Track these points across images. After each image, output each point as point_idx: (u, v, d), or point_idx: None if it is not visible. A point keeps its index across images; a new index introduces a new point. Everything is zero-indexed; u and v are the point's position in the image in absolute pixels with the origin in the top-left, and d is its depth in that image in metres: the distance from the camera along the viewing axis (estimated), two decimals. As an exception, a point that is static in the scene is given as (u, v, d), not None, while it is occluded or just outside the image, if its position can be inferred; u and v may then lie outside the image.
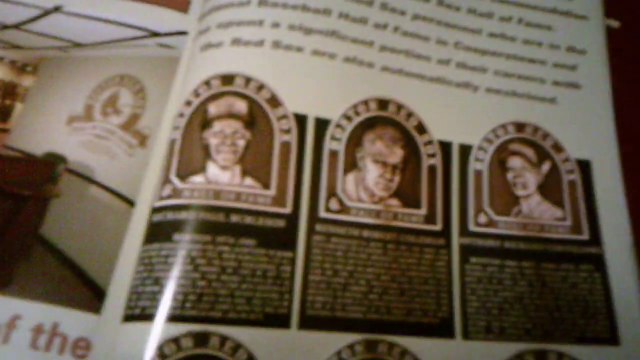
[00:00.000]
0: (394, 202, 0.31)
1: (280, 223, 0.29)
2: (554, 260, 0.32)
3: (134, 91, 0.33)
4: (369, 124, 0.32)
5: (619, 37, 0.39)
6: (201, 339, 0.27)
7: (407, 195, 0.32)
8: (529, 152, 0.35)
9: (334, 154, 0.31)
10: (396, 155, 0.32)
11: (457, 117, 0.34)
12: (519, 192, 0.34)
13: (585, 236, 0.33)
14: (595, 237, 0.33)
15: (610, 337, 0.31)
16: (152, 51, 0.33)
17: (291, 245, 0.29)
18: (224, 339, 0.27)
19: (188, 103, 0.30)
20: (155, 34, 0.34)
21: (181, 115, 0.30)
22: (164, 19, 0.34)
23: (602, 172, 0.35)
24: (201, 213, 0.28)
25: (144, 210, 0.29)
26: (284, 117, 0.30)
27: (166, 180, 0.29)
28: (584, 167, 0.35)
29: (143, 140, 0.31)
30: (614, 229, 0.34)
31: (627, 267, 0.33)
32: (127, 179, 0.30)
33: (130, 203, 0.29)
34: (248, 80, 0.30)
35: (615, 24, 0.39)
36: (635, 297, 0.32)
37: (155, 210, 0.28)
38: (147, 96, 0.32)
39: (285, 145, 0.30)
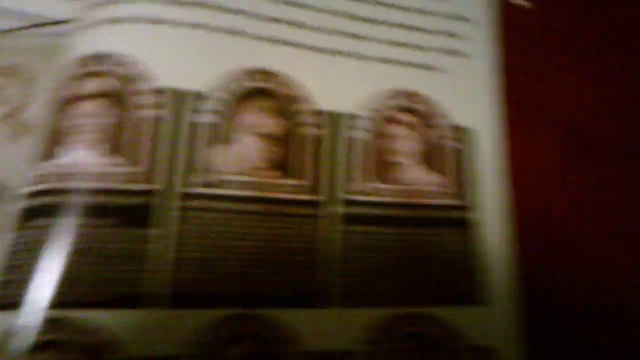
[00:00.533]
0: (272, 173, 0.31)
1: (149, 200, 0.28)
2: (431, 226, 0.33)
3: (20, 81, 0.31)
4: (244, 95, 0.31)
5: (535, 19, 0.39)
6: (63, 323, 0.26)
7: (285, 166, 0.32)
8: (411, 119, 0.35)
9: (207, 127, 0.30)
10: (274, 126, 0.32)
11: (339, 86, 0.34)
12: (400, 159, 0.34)
13: (463, 202, 0.34)
14: (473, 203, 0.34)
15: (481, 298, 0.32)
16: (40, 41, 0.32)
17: (161, 222, 0.28)
18: (84, 322, 0.26)
19: (59, 84, 0.29)
20: (45, 24, 0.32)
21: (53, 97, 0.28)
22: (53, 7, 0.32)
23: (485, 139, 0.36)
24: (67, 196, 0.27)
25: (18, 198, 0.27)
26: (153, 92, 0.29)
27: (34, 164, 0.27)
28: (467, 134, 0.35)
29: (28, 129, 0.30)
30: (492, 194, 0.35)
31: (502, 231, 0.34)
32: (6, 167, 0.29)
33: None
34: (117, 57, 0.29)
35: (526, 3, 0.39)
36: (506, 260, 0.33)
37: (26, 195, 0.27)
38: (34, 86, 0.31)
39: (155, 121, 0.29)
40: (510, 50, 0.38)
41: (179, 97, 0.30)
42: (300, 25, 0.34)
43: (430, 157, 0.35)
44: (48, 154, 0.28)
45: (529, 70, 0.39)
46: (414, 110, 0.35)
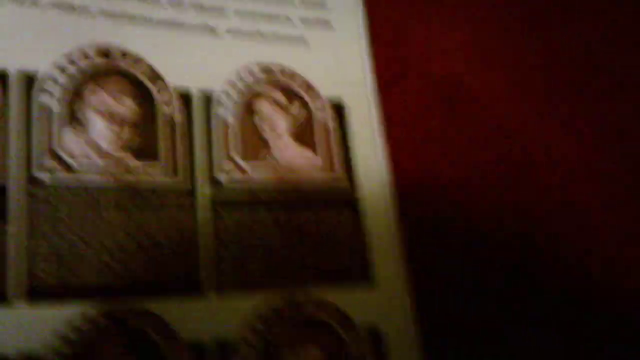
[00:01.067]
0: (127, 155, 0.29)
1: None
2: (306, 203, 0.32)
3: None
4: (89, 74, 0.29)
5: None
6: None
7: (140, 147, 0.29)
8: (277, 94, 0.34)
9: (46, 109, 0.28)
10: (124, 105, 0.29)
11: (197, 63, 0.32)
12: (268, 135, 0.33)
13: (338, 176, 0.33)
14: (350, 179, 0.33)
15: (363, 277, 0.31)
16: None
17: (2, 215, 0.25)
18: None
19: None
20: None
21: None
22: None
23: (357, 113, 0.35)
24: None
25: None
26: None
27: None
28: (338, 108, 0.35)
29: None
30: (369, 170, 0.34)
31: (382, 208, 0.33)
32: None
33: None
34: None
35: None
36: (390, 238, 0.33)
37: None
38: None
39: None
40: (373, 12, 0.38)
41: (19, 79, 0.27)
42: (154, 0, 0.32)
43: (302, 134, 0.33)
44: None
45: (397, 26, 0.39)
46: (282, 86, 0.34)
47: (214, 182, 0.30)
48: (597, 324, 0.34)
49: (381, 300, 0.31)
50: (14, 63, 0.27)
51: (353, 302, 0.31)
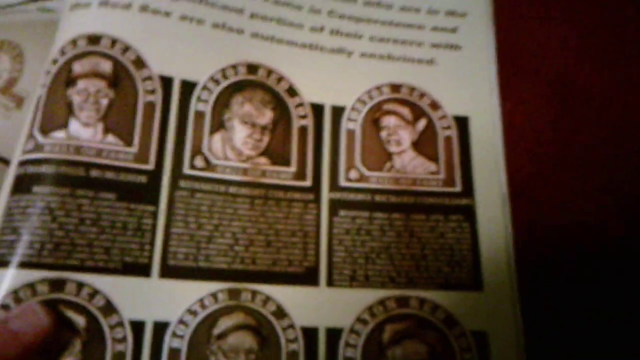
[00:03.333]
0: (263, 160, 0.34)
1: (142, 179, 0.31)
2: (424, 212, 0.34)
3: (12, 56, 0.35)
4: (237, 87, 0.34)
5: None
6: (57, 284, 0.29)
7: (276, 154, 0.34)
8: (404, 110, 0.37)
9: (200, 115, 0.33)
10: (265, 116, 0.34)
11: (330, 81, 0.36)
12: (393, 148, 0.36)
13: (457, 188, 0.35)
14: (468, 189, 0.35)
15: (474, 283, 0.33)
16: (34, 16, 0.36)
17: (153, 199, 0.31)
18: (80, 285, 0.29)
19: (54, 61, 0.33)
20: None
21: (47, 72, 0.32)
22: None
23: (479, 127, 0.37)
24: (61, 167, 0.30)
25: (14, 166, 0.31)
26: (149, 78, 0.33)
27: (30, 136, 0.31)
28: (462, 123, 0.37)
29: (20, 102, 0.34)
30: (487, 181, 0.35)
31: (497, 217, 0.34)
32: (4, 141, 0.33)
33: (7, 163, 0.32)
34: (114, 41, 0.33)
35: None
36: (502, 246, 0.34)
37: (20, 164, 0.31)
38: (26, 60, 0.35)
39: (150, 105, 0.33)
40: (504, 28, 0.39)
41: (180, 86, 0.33)
42: (298, 25, 0.37)
43: (426, 147, 0.36)
44: (45, 128, 0.32)
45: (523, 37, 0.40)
46: (409, 102, 0.37)
47: (337, 187, 0.34)
48: None
49: (489, 306, 0.32)
50: (179, 72, 0.33)
51: (462, 306, 0.32)
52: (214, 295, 0.31)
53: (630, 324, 0.33)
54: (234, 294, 0.31)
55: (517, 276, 0.33)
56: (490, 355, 0.31)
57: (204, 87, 0.34)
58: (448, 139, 0.36)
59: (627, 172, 0.36)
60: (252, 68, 0.35)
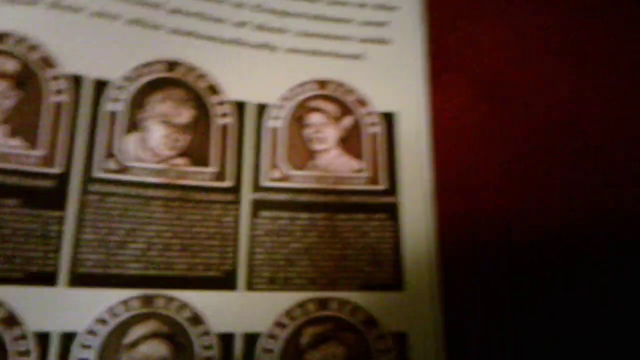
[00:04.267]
0: (181, 161, 0.33)
1: (48, 183, 0.30)
2: (347, 211, 0.34)
3: None
4: (154, 86, 0.33)
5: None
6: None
7: (195, 154, 0.33)
8: (330, 107, 0.36)
9: (112, 115, 0.32)
10: (184, 115, 0.33)
11: (254, 78, 0.35)
12: (317, 146, 0.35)
13: (382, 186, 0.34)
14: (393, 187, 0.34)
15: (395, 283, 0.32)
16: None
17: (60, 204, 0.30)
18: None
19: None
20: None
21: None
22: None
23: (406, 123, 0.36)
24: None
25: None
26: (58, 77, 0.32)
27: None
28: (389, 119, 0.36)
29: None
30: (412, 178, 0.35)
31: (421, 215, 0.34)
32: None
33: None
34: (20, 39, 0.32)
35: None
36: (425, 245, 0.33)
37: None
38: None
39: (58, 106, 0.31)
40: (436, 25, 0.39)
41: (92, 85, 0.32)
42: (220, 20, 0.36)
43: (351, 144, 0.35)
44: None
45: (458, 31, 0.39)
46: (335, 100, 0.36)
47: (259, 187, 0.33)
48: None
49: (410, 307, 0.32)
50: (91, 71, 0.32)
51: (382, 307, 0.32)
52: (125, 303, 0.30)
53: (554, 322, 0.32)
54: (147, 301, 0.30)
55: (439, 275, 0.33)
56: (410, 357, 0.31)
57: (117, 86, 0.33)
58: (374, 136, 0.35)
59: (552, 167, 0.36)
60: (171, 65, 0.34)
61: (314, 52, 0.37)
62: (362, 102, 0.36)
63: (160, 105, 0.33)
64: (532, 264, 0.34)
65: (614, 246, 0.34)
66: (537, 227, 0.34)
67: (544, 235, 0.34)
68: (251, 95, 0.35)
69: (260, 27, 0.36)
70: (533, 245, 0.34)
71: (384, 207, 0.34)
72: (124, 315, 0.29)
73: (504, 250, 0.34)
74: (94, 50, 0.33)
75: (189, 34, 0.35)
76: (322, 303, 0.31)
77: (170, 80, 0.34)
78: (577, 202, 0.35)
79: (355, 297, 0.32)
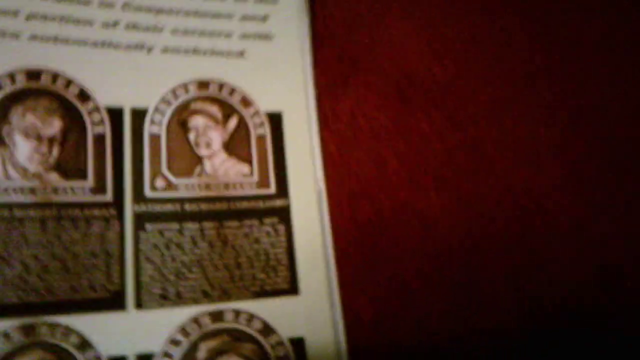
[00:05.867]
0: (53, 176, 0.32)
1: None
2: (238, 218, 0.35)
3: None
4: (17, 97, 0.33)
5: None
6: None
7: (69, 167, 0.33)
8: (213, 109, 0.37)
9: (-29, 131, 0.31)
10: (53, 127, 0.33)
11: (129, 81, 0.35)
12: (202, 151, 0.36)
13: (271, 190, 0.36)
14: (283, 190, 0.36)
15: (290, 287, 0.34)
16: None
17: None
18: None
19: None
20: None
21: None
22: None
23: (293, 123, 0.38)
24: None
25: None
26: None
27: None
28: (275, 119, 0.37)
29: None
30: (302, 179, 0.36)
31: (313, 216, 0.36)
32: None
33: None
34: None
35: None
36: (319, 246, 0.35)
37: None
38: None
39: None
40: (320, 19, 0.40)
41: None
42: (87, 22, 0.35)
43: (238, 147, 0.36)
44: None
45: (346, 27, 0.41)
46: (218, 101, 0.37)
47: (142, 199, 0.33)
48: None
49: (306, 310, 0.34)
50: None
51: (278, 313, 0.33)
52: (5, 335, 0.30)
53: (459, 320, 0.35)
54: (28, 330, 0.30)
55: (336, 276, 0.35)
56: (308, 361, 0.33)
57: (-27, 99, 0.32)
58: (261, 138, 0.37)
59: (464, 163, 0.39)
60: (33, 74, 0.33)
61: (193, 51, 0.37)
62: (246, 102, 0.37)
63: (25, 118, 0.33)
64: (436, 264, 0.36)
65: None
66: (444, 228, 0.37)
67: (449, 239, 0.37)
68: (127, 100, 0.35)
69: (133, 27, 0.36)
70: (439, 246, 0.37)
71: (274, 210, 0.35)
72: (3, 348, 0.29)
73: (402, 248, 0.36)
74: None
75: (51, 39, 0.34)
76: (217, 315, 0.33)
77: (34, 90, 0.33)
78: (489, 201, 0.38)
79: (250, 305, 0.33)
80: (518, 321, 0.36)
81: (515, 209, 0.38)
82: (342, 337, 0.34)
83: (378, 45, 0.41)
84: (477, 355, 0.35)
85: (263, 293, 0.34)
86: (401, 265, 0.36)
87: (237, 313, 0.33)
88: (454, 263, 0.37)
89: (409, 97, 0.40)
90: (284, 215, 0.35)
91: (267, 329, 0.33)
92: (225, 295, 0.33)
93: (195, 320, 0.32)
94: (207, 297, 0.33)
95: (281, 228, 0.35)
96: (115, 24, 0.36)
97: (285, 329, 0.33)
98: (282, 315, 0.33)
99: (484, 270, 0.36)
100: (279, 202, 0.36)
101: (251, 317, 0.33)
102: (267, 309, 0.33)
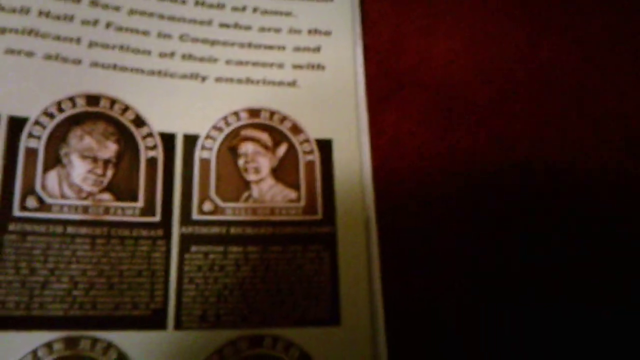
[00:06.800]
0: (106, 196, 0.35)
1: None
2: (282, 243, 0.36)
3: None
4: (76, 120, 0.36)
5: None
6: None
7: (121, 189, 0.35)
8: (264, 136, 0.38)
9: (31, 152, 0.34)
10: (109, 149, 0.36)
11: (182, 108, 0.38)
12: (251, 177, 0.37)
13: (318, 216, 0.37)
14: (330, 217, 0.37)
15: (331, 317, 0.35)
16: None
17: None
18: None
19: None
20: None
21: None
22: None
23: (343, 150, 0.39)
24: None
25: None
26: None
27: None
28: (325, 146, 0.39)
29: None
30: (350, 207, 0.37)
31: (359, 245, 0.36)
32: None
33: None
34: None
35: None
36: (364, 277, 0.36)
37: None
38: None
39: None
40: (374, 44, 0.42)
41: (8, 123, 0.34)
42: (145, 52, 0.38)
43: (287, 174, 0.38)
44: None
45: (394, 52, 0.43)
46: (269, 127, 0.39)
47: (189, 221, 0.35)
48: None
49: (347, 342, 0.34)
50: (5, 109, 0.34)
51: (317, 343, 0.34)
52: (48, 346, 0.31)
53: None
54: (71, 343, 0.32)
55: (383, 310, 0.35)
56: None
57: (36, 122, 0.35)
58: (310, 164, 0.38)
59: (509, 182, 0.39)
60: (93, 99, 0.36)
61: (246, 80, 0.39)
62: (296, 130, 0.39)
63: (82, 140, 0.35)
64: (487, 288, 0.36)
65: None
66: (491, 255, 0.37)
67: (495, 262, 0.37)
68: (180, 127, 0.37)
69: (188, 57, 0.39)
70: (479, 280, 0.36)
71: (320, 237, 0.36)
72: (46, 358, 0.31)
73: (449, 281, 0.36)
74: (8, 88, 0.35)
75: (111, 66, 0.37)
76: (255, 340, 0.33)
77: (92, 114, 0.36)
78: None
79: (289, 333, 0.34)
80: None
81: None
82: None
83: (421, 63, 0.42)
84: None
85: (303, 321, 0.34)
86: (449, 298, 0.36)
87: (275, 340, 0.34)
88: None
89: (454, 114, 0.40)
90: (329, 242, 0.36)
91: (304, 358, 0.33)
92: (265, 321, 0.34)
93: (233, 344, 0.33)
94: (246, 321, 0.34)
95: (325, 256, 0.36)
96: (172, 54, 0.39)
97: (324, 358, 0.33)
98: (321, 345, 0.34)
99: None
100: (324, 229, 0.36)
101: (289, 345, 0.34)
102: (307, 337, 0.34)
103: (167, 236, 0.35)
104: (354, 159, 0.39)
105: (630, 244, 0.38)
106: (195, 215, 0.36)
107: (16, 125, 0.34)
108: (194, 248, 0.35)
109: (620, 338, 0.36)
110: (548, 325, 0.36)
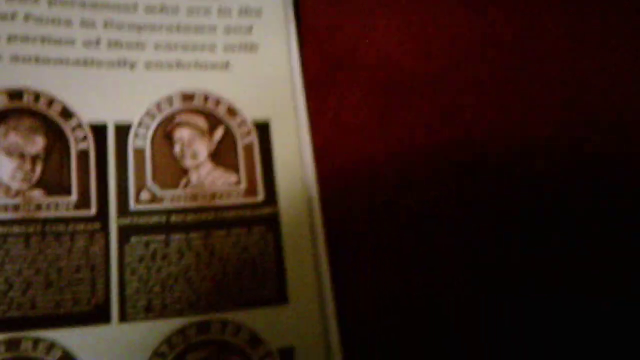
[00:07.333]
0: (37, 192, 0.34)
1: None
2: (225, 227, 0.36)
3: None
4: (-1, 117, 0.35)
5: None
6: None
7: (52, 183, 0.35)
8: (199, 121, 0.38)
9: (-46, 152, 0.34)
10: (36, 144, 0.35)
11: (112, 97, 0.37)
12: (188, 163, 0.37)
13: (260, 197, 0.37)
14: (271, 197, 0.37)
15: (279, 296, 0.35)
16: None
17: None
18: None
19: None
20: None
21: None
22: None
23: (281, 132, 0.39)
24: None
25: None
26: None
27: None
28: (263, 128, 0.39)
29: None
30: (292, 186, 0.38)
31: (303, 223, 0.37)
32: None
33: None
34: None
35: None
36: (309, 255, 0.36)
37: None
38: None
39: None
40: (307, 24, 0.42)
41: None
42: (68, 42, 0.38)
43: (225, 157, 0.38)
44: None
45: (332, 29, 0.43)
46: (203, 112, 0.38)
47: (127, 212, 0.35)
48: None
49: (296, 320, 0.34)
50: None
51: (266, 323, 0.34)
52: (-8, 350, 0.31)
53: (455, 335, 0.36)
54: (12, 345, 0.31)
55: (332, 284, 0.35)
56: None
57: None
58: (248, 146, 0.38)
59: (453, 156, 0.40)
60: (15, 94, 0.36)
61: (177, 65, 0.39)
62: (232, 112, 0.39)
63: (7, 137, 0.35)
64: (432, 264, 0.37)
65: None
66: (435, 234, 0.38)
67: (443, 243, 0.38)
68: (111, 116, 0.37)
69: (115, 44, 0.38)
70: (429, 245, 0.37)
71: (263, 219, 0.36)
72: (-14, 364, 0.31)
73: (396, 250, 0.37)
74: None
75: (32, 60, 0.37)
76: (203, 327, 0.34)
77: (16, 110, 0.35)
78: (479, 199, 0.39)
79: (238, 316, 0.34)
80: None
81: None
82: (335, 346, 0.34)
83: (358, 42, 0.42)
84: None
85: (251, 303, 0.34)
86: (397, 274, 0.36)
87: (224, 324, 0.34)
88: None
89: (395, 91, 0.41)
90: (272, 223, 0.36)
91: (254, 340, 0.34)
92: (213, 307, 0.34)
93: (182, 332, 0.33)
94: (192, 308, 0.34)
95: (270, 237, 0.36)
96: (97, 42, 0.38)
97: (274, 339, 0.34)
98: (270, 324, 0.34)
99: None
100: (267, 210, 0.37)
101: (238, 328, 0.34)
102: (255, 319, 0.34)
103: (105, 229, 0.35)
104: (294, 140, 0.39)
105: (630, 236, 0.39)
106: (133, 206, 0.35)
107: None
108: (133, 239, 0.35)
109: (620, 329, 0.37)
110: (548, 317, 0.37)
